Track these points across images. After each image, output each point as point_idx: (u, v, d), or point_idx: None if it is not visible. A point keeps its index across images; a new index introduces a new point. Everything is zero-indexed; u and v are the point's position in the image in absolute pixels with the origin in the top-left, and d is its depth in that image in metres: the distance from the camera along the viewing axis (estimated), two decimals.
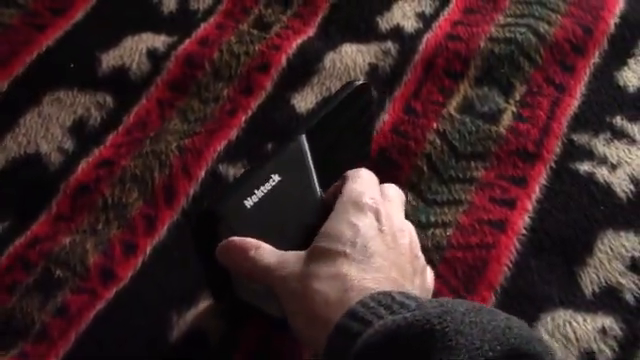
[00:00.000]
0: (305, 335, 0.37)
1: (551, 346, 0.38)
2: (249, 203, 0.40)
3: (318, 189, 0.43)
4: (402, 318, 0.31)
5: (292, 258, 0.38)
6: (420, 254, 0.41)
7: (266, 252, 0.39)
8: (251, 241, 0.39)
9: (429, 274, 0.42)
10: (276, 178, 0.41)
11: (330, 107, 0.46)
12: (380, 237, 0.38)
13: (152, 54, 0.62)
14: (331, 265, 0.36)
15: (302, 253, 0.38)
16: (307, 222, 0.41)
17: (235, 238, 0.39)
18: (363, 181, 0.41)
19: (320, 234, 0.38)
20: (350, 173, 0.42)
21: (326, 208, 0.41)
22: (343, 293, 0.34)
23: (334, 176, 0.44)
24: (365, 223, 0.38)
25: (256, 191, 0.40)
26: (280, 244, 0.40)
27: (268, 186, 0.41)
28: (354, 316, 0.33)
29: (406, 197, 0.53)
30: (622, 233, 0.52)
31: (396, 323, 0.31)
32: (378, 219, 0.39)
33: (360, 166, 0.43)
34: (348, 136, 0.48)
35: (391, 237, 0.38)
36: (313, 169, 0.43)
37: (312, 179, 0.43)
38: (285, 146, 0.43)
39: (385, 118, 0.59)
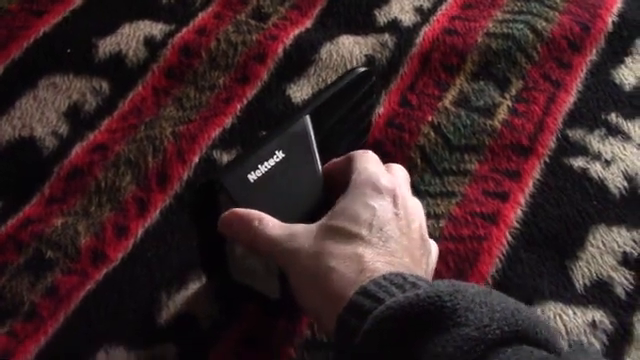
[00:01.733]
0: (314, 311, 0.37)
1: (557, 334, 0.38)
2: (252, 177, 0.40)
3: (320, 169, 0.43)
4: (414, 295, 0.31)
5: (302, 231, 0.38)
6: (427, 236, 0.41)
7: (270, 224, 0.38)
8: (255, 212, 0.39)
9: (434, 251, 0.42)
10: (280, 155, 0.42)
11: (333, 91, 0.46)
12: (395, 221, 0.38)
13: (149, 41, 0.62)
14: (347, 245, 0.36)
15: (312, 227, 0.38)
16: (308, 200, 0.42)
17: (238, 209, 0.39)
18: (376, 161, 0.41)
19: (335, 212, 0.38)
20: (359, 153, 0.42)
21: (325, 184, 0.41)
22: (358, 274, 0.34)
23: (330, 160, 0.44)
24: (382, 206, 0.38)
25: (260, 166, 0.41)
26: (280, 220, 0.39)
27: (272, 162, 0.41)
28: (366, 293, 0.33)
29: None
30: (614, 228, 0.52)
31: (408, 300, 0.31)
32: (394, 203, 0.39)
33: None
34: (348, 122, 0.48)
35: (405, 222, 0.38)
36: (316, 149, 0.43)
37: (315, 158, 0.43)
38: (290, 125, 0.43)
39: (380, 110, 0.59)
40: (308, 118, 0.44)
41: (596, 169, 0.55)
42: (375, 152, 0.56)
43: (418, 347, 0.30)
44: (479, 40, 0.63)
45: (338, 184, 0.41)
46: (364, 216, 0.37)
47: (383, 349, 0.31)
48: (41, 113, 0.57)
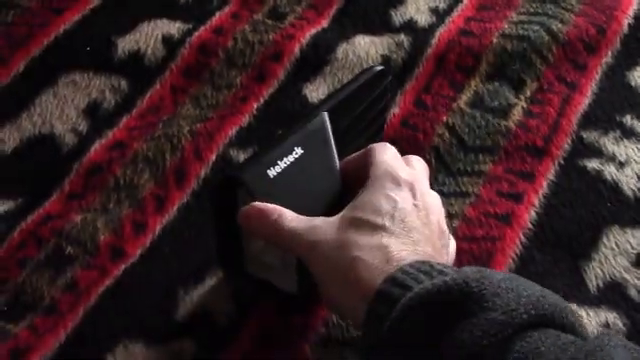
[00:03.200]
0: (339, 303, 0.37)
1: (582, 320, 0.38)
2: (272, 173, 0.41)
3: (337, 165, 0.44)
4: (442, 281, 0.32)
5: (322, 224, 0.38)
6: (445, 227, 0.41)
7: (290, 217, 0.39)
8: (274, 206, 0.39)
9: (452, 244, 0.42)
10: (299, 151, 0.42)
11: (350, 89, 0.46)
12: (415, 212, 0.38)
13: (167, 40, 0.63)
14: (371, 236, 0.36)
15: (333, 220, 0.38)
16: (327, 196, 0.42)
17: (258, 203, 0.40)
18: (394, 154, 0.42)
19: (356, 204, 0.38)
20: (377, 146, 0.42)
21: (344, 178, 0.42)
22: (384, 263, 0.35)
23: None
24: (402, 197, 0.38)
25: (279, 162, 0.41)
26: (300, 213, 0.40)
27: (291, 158, 0.42)
28: (395, 281, 0.33)
29: None
30: (628, 230, 0.52)
31: (436, 286, 0.32)
32: (414, 194, 0.39)
33: None
34: (364, 119, 0.48)
35: (424, 213, 0.39)
36: (334, 146, 0.44)
37: (333, 155, 0.43)
38: (308, 121, 0.43)
39: (395, 111, 0.59)
40: (326, 115, 0.44)
41: (610, 171, 0.55)
42: None
43: (446, 332, 0.31)
44: (494, 41, 0.64)
45: (357, 177, 0.41)
46: (385, 208, 0.37)
47: (412, 336, 0.32)
48: (61, 110, 0.58)
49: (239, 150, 0.56)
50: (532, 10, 0.67)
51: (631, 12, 0.67)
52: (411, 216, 0.38)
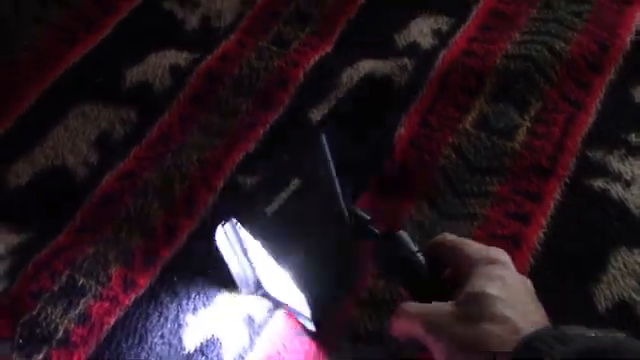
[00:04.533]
0: None
1: None
2: (270, 210, 0.41)
3: (338, 188, 0.43)
4: (585, 347, 0.33)
5: (435, 305, 0.40)
6: None
7: (412, 305, 0.41)
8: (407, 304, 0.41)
9: None
10: (296, 182, 0.42)
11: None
12: (522, 288, 0.41)
13: (175, 70, 0.64)
14: (492, 310, 0.38)
15: (453, 302, 0.40)
16: (329, 227, 0.42)
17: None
18: (482, 246, 0.43)
19: (472, 285, 0.40)
20: (460, 243, 0.43)
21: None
22: (513, 333, 0.37)
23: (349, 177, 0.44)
24: (511, 278, 0.41)
25: (276, 197, 0.41)
26: (303, 249, 0.40)
27: (288, 191, 0.42)
28: (531, 348, 0.35)
29: (421, 209, 0.54)
30: (636, 250, 0.52)
31: (576, 353, 0.33)
32: (513, 272, 0.41)
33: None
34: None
35: (524, 286, 0.41)
36: (333, 168, 0.43)
37: (333, 179, 0.43)
38: (305, 147, 0.44)
39: (401, 132, 0.60)
40: (323, 137, 0.43)
41: (617, 190, 0.55)
42: (397, 171, 0.57)
43: None
44: (497, 62, 0.64)
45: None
46: (497, 284, 0.39)
47: None
48: (72, 143, 0.59)
49: (246, 176, 0.57)
50: (535, 29, 0.67)
51: (634, 28, 0.67)
52: (520, 289, 0.40)
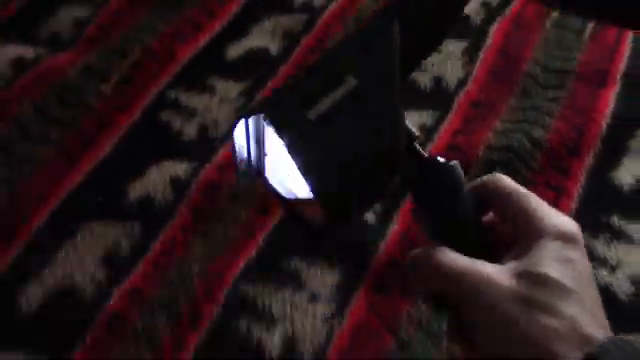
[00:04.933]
0: (503, 354, 0.34)
1: None
2: (313, 114, 0.32)
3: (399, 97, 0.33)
4: None
5: (492, 269, 0.34)
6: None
7: (451, 255, 0.35)
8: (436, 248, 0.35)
9: None
10: (352, 82, 0.33)
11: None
12: (591, 277, 0.36)
13: (175, 182, 0.68)
14: (557, 302, 0.33)
15: (505, 270, 0.34)
16: (381, 143, 0.33)
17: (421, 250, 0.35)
18: (551, 209, 0.37)
19: (535, 263, 0.34)
20: (523, 196, 0.37)
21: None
22: (581, 340, 0.33)
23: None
24: (581, 262, 0.35)
25: (323, 98, 0.32)
26: (349, 171, 0.33)
27: (340, 92, 0.32)
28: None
29: None
30: (622, 335, 0.54)
31: None
32: (584, 255, 0.36)
33: None
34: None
35: (589, 277, 0.36)
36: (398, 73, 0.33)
37: (396, 81, 0.33)
38: (371, 39, 0.33)
39: (394, 228, 0.62)
40: (396, 26, 0.33)
41: (602, 275, 0.58)
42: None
43: None
44: (480, 155, 0.67)
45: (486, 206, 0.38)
46: (569, 274, 0.34)
47: None
48: (80, 261, 0.62)
49: (249, 284, 0.59)
50: (514, 118, 0.71)
51: (608, 111, 0.70)
52: (590, 284, 0.35)
